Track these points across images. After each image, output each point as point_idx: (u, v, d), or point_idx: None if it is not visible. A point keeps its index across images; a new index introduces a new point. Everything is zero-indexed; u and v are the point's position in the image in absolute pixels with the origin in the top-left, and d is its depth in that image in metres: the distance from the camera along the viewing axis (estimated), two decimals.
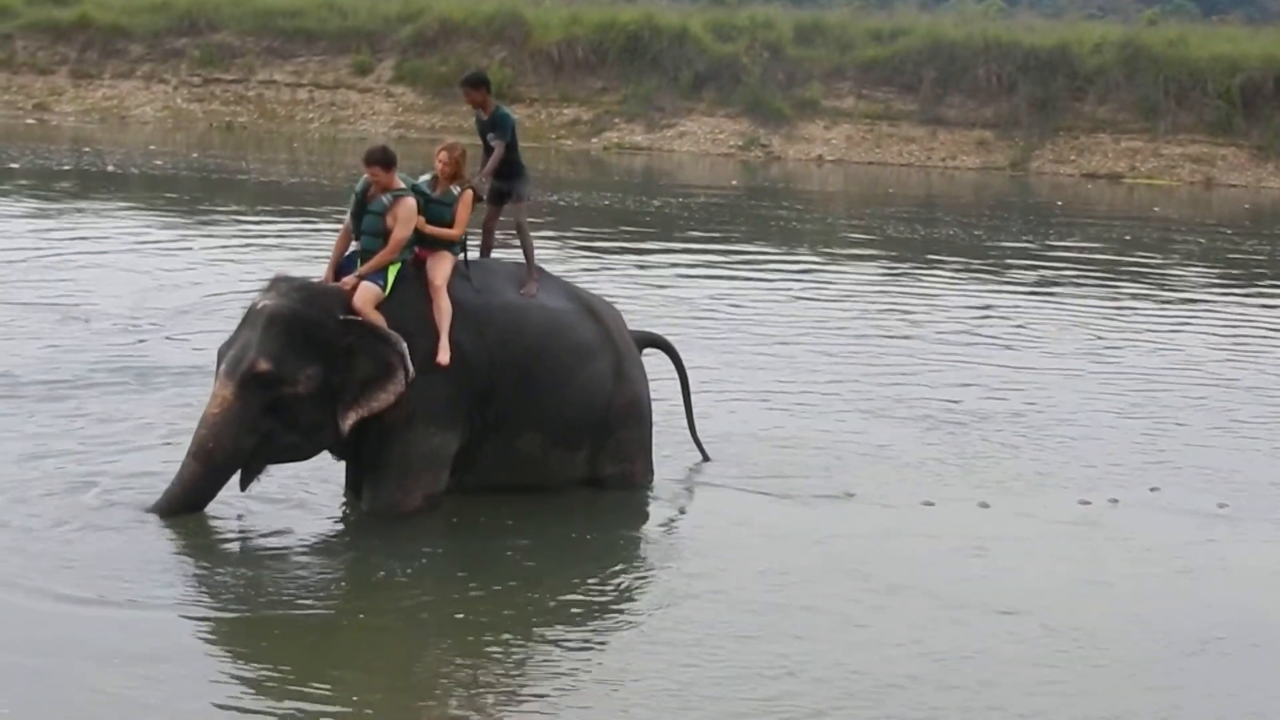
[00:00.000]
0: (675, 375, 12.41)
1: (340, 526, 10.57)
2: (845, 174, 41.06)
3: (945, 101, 44.15)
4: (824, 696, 8.26)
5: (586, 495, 11.44)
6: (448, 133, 37.15)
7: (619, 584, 9.96)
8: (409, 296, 10.45)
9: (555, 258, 19.93)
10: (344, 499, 10.92)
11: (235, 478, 10.21)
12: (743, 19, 46.31)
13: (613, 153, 42.76)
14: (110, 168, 32.68)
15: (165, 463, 10.80)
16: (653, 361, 12.10)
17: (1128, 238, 30.12)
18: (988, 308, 20.68)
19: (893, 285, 22.44)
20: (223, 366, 10.17)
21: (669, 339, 12.61)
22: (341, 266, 10.58)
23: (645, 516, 11.35)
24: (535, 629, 9.01)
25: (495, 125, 11.33)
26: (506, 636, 8.82)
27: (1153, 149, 42.71)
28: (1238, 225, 34.21)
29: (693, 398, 12.51)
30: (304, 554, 10.00)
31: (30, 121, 43.03)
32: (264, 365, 10.00)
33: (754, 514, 11.34)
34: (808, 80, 44.76)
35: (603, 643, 8.95)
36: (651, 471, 11.77)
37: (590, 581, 9.93)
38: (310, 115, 45.17)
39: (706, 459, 12.37)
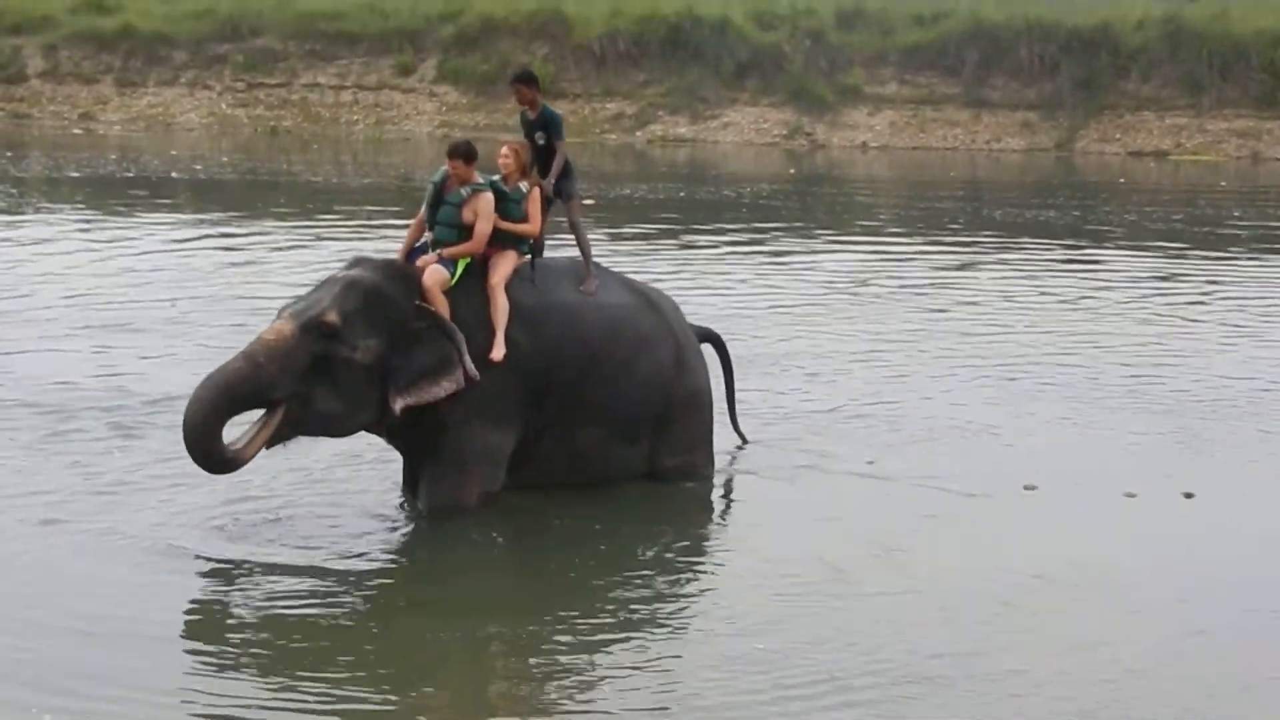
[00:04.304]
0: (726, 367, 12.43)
1: (396, 522, 10.61)
2: (890, 160, 40.96)
3: (988, 84, 43.98)
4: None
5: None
6: (492, 130, 37.33)
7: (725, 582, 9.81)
8: (472, 292, 10.51)
9: (609, 252, 19.99)
10: (401, 496, 10.97)
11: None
12: (784, 6, 46.19)
13: (657, 145, 42.74)
14: (174, 174, 32.89)
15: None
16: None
17: (1237, 213, 29.92)
18: (1137, 286, 20.47)
19: (1022, 266, 22.24)
20: (287, 311, 10.21)
21: (722, 334, 12.52)
22: (412, 255, 10.68)
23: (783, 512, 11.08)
24: (589, 627, 8.91)
25: (546, 124, 11.42)
26: (565, 634, 8.77)
27: (1198, 125, 42.49)
28: None
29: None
30: (358, 548, 10.02)
31: (77, 131, 43.24)
32: (332, 317, 10.01)
33: (925, 509, 10.99)
34: (850, 66, 44.66)
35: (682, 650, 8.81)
36: (713, 462, 11.73)
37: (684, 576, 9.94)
38: (355, 117, 45.29)
39: (745, 442, 12.36)
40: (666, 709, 7.81)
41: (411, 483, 10.88)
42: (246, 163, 36.07)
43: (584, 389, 10.87)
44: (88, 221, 24.70)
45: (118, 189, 29.84)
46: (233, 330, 15.13)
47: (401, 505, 10.82)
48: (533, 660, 8.41)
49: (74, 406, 12.81)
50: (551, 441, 10.89)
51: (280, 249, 22.16)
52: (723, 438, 12.14)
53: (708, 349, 12.04)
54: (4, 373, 13.88)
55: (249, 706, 7.69)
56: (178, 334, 15.78)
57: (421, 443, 10.58)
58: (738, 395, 12.51)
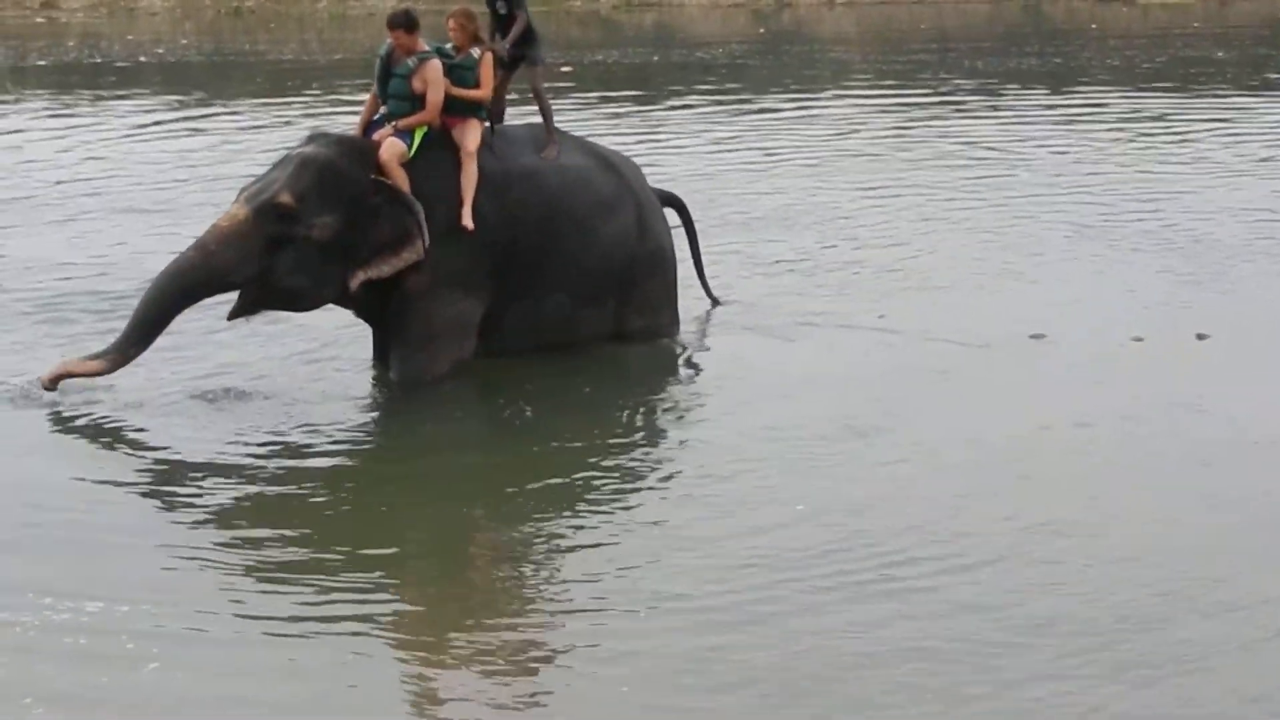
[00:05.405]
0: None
1: (368, 395, 10.57)
2: (858, 15, 40.73)
3: None
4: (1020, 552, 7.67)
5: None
6: (456, 2, 36.90)
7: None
8: (434, 162, 10.44)
9: (585, 119, 19.90)
10: (372, 367, 10.91)
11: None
12: None
13: (623, 10, 42.43)
14: (141, 58, 32.60)
15: None
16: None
17: (1219, 53, 29.72)
18: (1136, 127, 20.26)
19: (1010, 112, 22.09)
20: (242, 195, 10.19)
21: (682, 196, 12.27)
22: (369, 130, 10.58)
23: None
24: (571, 493, 8.78)
25: None
26: (545, 505, 8.60)
27: None
28: None
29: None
30: (330, 423, 9.91)
31: (39, 20, 42.80)
32: (286, 198, 9.98)
33: (927, 362, 10.71)
34: None
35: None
36: (678, 322, 11.65)
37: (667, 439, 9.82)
38: None
39: (716, 303, 12.18)
40: (706, 579, 7.46)
41: (382, 354, 10.85)
42: (211, 44, 35.77)
43: (548, 253, 10.85)
44: (61, 109, 24.51)
45: (85, 75, 29.59)
46: (216, 212, 15.01)
47: (375, 378, 10.77)
48: (531, 534, 8.26)
49: (62, 289, 12.77)
50: (519, 309, 10.88)
51: (255, 128, 22.02)
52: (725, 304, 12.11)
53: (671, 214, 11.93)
54: None
55: (229, 589, 7.53)
56: (162, 217, 15.67)
57: (390, 315, 10.56)
58: (722, 254, 12.44)
